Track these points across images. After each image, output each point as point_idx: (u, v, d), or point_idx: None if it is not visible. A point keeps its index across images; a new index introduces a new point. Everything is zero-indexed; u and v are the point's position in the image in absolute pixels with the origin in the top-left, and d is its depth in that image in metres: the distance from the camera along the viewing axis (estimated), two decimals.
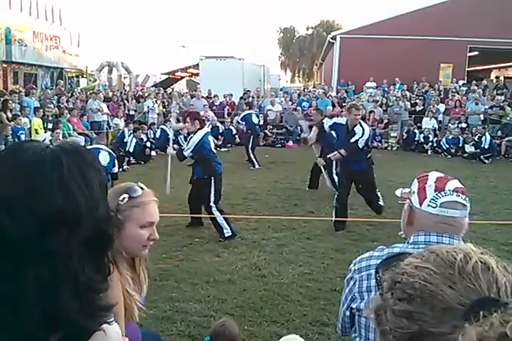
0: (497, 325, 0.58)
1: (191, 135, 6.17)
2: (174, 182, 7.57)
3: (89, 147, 9.18)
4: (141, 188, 1.82)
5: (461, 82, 19.88)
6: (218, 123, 14.98)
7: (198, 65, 21.70)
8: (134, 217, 1.76)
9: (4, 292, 0.79)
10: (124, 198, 1.73)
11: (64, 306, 0.81)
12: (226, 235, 5.87)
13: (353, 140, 6.33)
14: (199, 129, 6.07)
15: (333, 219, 6.37)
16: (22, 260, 0.80)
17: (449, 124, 15.58)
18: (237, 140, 14.80)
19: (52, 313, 0.81)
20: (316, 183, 8.91)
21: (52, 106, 12.40)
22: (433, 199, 1.60)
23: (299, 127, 15.98)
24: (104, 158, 8.41)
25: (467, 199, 1.62)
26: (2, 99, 11.22)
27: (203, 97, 16.95)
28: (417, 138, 15.20)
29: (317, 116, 9.01)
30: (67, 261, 0.82)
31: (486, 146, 13.30)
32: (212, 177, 6.03)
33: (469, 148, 13.77)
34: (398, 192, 1.82)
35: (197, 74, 24.75)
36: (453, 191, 1.60)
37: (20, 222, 0.80)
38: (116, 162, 8.31)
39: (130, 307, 1.75)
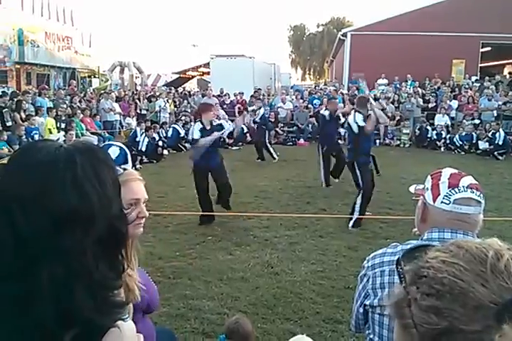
0: None
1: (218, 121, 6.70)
2: (186, 181, 7.60)
3: (102, 144, 9.30)
4: (124, 169, 1.84)
5: (473, 78, 19.68)
6: (229, 122, 15.00)
7: (208, 63, 21.76)
8: None
9: (19, 290, 0.80)
10: None
11: (78, 304, 0.82)
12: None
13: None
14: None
15: (355, 216, 6.28)
16: (36, 258, 0.81)
17: (464, 121, 15.43)
18: (248, 138, 14.81)
19: (66, 311, 0.81)
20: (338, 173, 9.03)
21: (65, 106, 12.51)
22: (446, 196, 1.59)
23: (310, 125, 15.95)
24: (113, 152, 8.56)
25: (481, 195, 1.60)
26: (15, 99, 11.36)
27: (214, 96, 16.98)
28: (429, 135, 15.09)
29: (333, 105, 9.20)
30: (81, 258, 0.83)
31: (500, 142, 13.16)
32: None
33: (483, 145, 13.63)
34: (412, 189, 1.81)
35: (208, 73, 24.79)
36: (467, 187, 1.58)
37: (35, 220, 0.80)
38: (129, 158, 8.39)
39: (133, 288, 1.77)
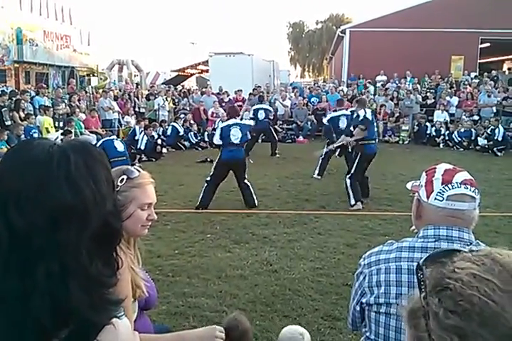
0: None
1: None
2: (185, 179, 7.62)
3: (106, 138, 9.37)
4: (138, 170, 1.86)
5: (472, 74, 19.66)
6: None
7: (207, 61, 21.73)
8: (133, 197, 1.80)
9: (14, 286, 0.81)
10: (122, 179, 1.76)
11: (74, 300, 0.82)
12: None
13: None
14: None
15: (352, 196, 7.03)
16: (31, 255, 0.81)
17: (463, 117, 15.42)
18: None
19: (62, 308, 0.82)
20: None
21: (63, 105, 12.49)
22: (440, 193, 1.58)
23: (309, 122, 15.94)
24: (119, 145, 8.72)
25: (476, 191, 1.59)
26: (14, 98, 11.34)
27: (213, 94, 16.96)
28: (428, 132, 15.09)
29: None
30: (77, 255, 0.83)
31: (499, 139, 13.15)
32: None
33: (482, 141, 13.63)
34: (409, 185, 1.81)
35: (207, 71, 24.78)
36: (460, 183, 1.58)
37: (29, 217, 0.81)
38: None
39: (139, 284, 1.79)
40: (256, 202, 7.10)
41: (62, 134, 10.45)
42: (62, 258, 0.82)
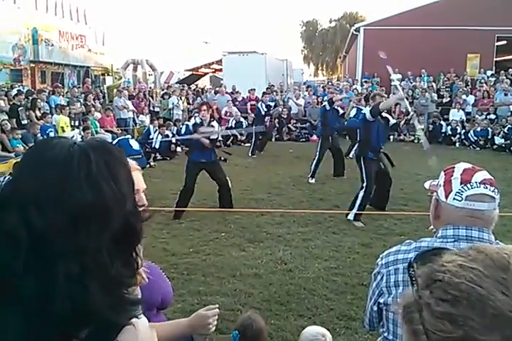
0: None
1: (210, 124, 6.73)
2: (199, 177, 7.60)
3: (121, 137, 9.51)
4: None
5: (489, 73, 19.39)
6: (242, 119, 15.00)
7: (221, 60, 21.76)
8: None
9: (34, 287, 0.80)
10: None
11: (94, 301, 0.82)
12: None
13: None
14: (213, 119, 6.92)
15: (355, 211, 6.38)
16: (52, 256, 0.81)
17: (477, 116, 15.23)
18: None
19: (82, 308, 0.81)
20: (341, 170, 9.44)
21: (79, 104, 12.61)
22: (458, 193, 1.56)
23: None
24: (134, 144, 8.85)
25: (496, 190, 1.56)
26: (30, 98, 11.47)
27: (227, 93, 16.99)
28: (444, 130, 14.93)
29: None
30: (97, 256, 0.83)
31: None
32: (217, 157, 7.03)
33: (499, 140, 13.45)
34: (427, 185, 1.79)
35: (220, 70, 24.80)
36: (480, 183, 1.55)
37: (50, 218, 0.80)
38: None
39: (139, 272, 1.79)
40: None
41: (83, 130, 10.63)
42: (83, 259, 0.82)
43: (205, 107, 6.69)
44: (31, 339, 0.82)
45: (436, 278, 0.66)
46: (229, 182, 6.88)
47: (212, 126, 6.69)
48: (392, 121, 7.00)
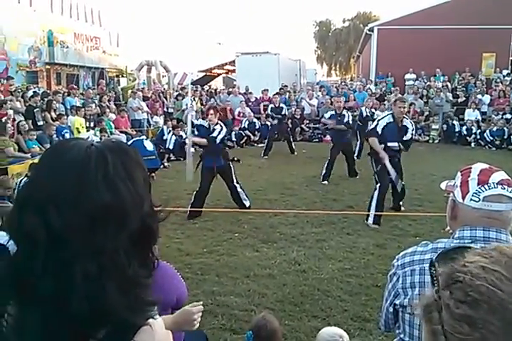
0: None
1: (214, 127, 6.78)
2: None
3: (136, 138, 9.65)
4: None
5: (505, 72, 19.15)
6: (255, 119, 15.01)
7: (234, 61, 21.81)
8: None
9: (52, 287, 0.81)
10: None
11: (111, 301, 0.83)
12: (247, 205, 6.94)
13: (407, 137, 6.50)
14: (218, 123, 6.82)
15: (373, 213, 6.24)
16: (69, 256, 0.81)
17: (493, 115, 15.04)
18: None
19: (99, 308, 0.82)
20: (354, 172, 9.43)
21: (94, 105, 12.72)
22: (476, 193, 1.54)
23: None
24: (148, 145, 8.98)
25: None
26: (46, 99, 11.60)
27: (240, 94, 17.01)
28: (458, 130, 14.77)
29: (337, 102, 9.66)
30: (114, 256, 0.83)
31: None
32: (230, 162, 6.99)
33: None
34: (443, 185, 1.77)
35: (233, 71, 24.86)
36: (497, 184, 1.53)
37: (68, 217, 0.81)
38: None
39: None
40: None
41: (99, 131, 10.74)
42: (100, 259, 0.82)
43: (212, 111, 6.83)
44: (49, 338, 0.83)
45: (457, 279, 0.65)
46: (238, 187, 6.93)
47: (214, 130, 6.72)
48: (407, 136, 6.48)
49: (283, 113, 12.60)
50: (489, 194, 1.53)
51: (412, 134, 6.65)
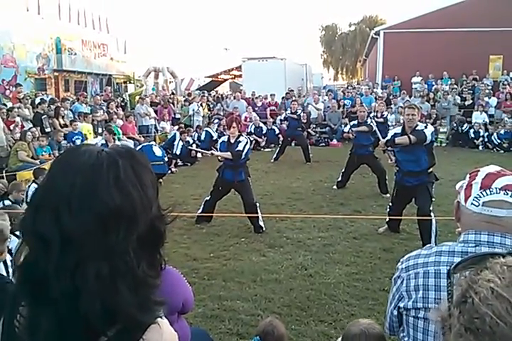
0: None
1: (237, 140, 6.34)
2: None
3: (144, 144, 9.71)
4: None
5: None
6: (261, 124, 15.05)
7: (240, 66, 21.91)
8: None
9: (65, 287, 0.84)
10: None
11: (122, 301, 0.86)
12: (264, 228, 6.23)
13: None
14: (240, 135, 6.44)
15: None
16: (82, 256, 0.85)
17: (505, 118, 14.92)
18: (281, 139, 14.80)
19: (111, 307, 0.85)
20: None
21: (101, 111, 12.82)
22: (476, 198, 1.55)
23: (342, 125, 15.80)
24: (157, 151, 9.04)
25: None
26: (53, 106, 11.71)
27: (243, 99, 17.07)
28: (465, 132, 14.70)
29: (361, 111, 8.95)
30: (125, 257, 0.87)
31: None
32: (249, 177, 6.52)
33: None
34: (457, 186, 1.77)
35: (240, 76, 24.96)
36: (500, 189, 1.53)
37: (80, 220, 0.85)
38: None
39: None
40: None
41: (108, 132, 10.74)
42: (112, 260, 0.86)
43: (235, 124, 6.28)
44: (61, 337, 0.86)
45: (467, 299, 0.63)
46: (257, 206, 6.29)
47: (238, 142, 6.26)
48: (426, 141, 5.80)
49: (299, 118, 12.37)
50: (489, 199, 1.53)
51: (431, 138, 5.86)
